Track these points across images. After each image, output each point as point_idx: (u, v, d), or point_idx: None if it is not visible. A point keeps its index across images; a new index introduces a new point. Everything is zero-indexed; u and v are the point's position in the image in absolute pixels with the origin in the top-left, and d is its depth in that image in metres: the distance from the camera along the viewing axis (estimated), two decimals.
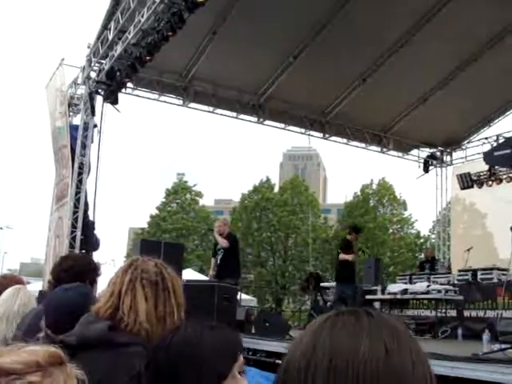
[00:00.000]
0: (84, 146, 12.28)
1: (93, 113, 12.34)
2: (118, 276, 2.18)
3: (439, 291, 10.91)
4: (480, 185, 15.59)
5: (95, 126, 12.47)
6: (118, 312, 2.10)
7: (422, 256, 18.51)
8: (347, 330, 0.86)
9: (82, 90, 12.91)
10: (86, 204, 12.34)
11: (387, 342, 0.84)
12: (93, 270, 3.49)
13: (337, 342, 0.85)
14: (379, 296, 12.30)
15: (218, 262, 10.64)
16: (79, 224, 11.91)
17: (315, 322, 0.92)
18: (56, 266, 3.47)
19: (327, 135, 16.14)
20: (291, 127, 15.73)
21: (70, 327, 2.20)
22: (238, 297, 11.12)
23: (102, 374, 1.95)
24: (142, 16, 9.95)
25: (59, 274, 3.33)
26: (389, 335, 0.85)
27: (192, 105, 14.63)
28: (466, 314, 11.11)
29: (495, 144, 14.49)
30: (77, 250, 11.55)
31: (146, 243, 13.26)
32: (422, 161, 17.36)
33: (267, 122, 15.49)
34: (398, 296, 11.51)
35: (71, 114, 13.11)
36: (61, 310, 2.55)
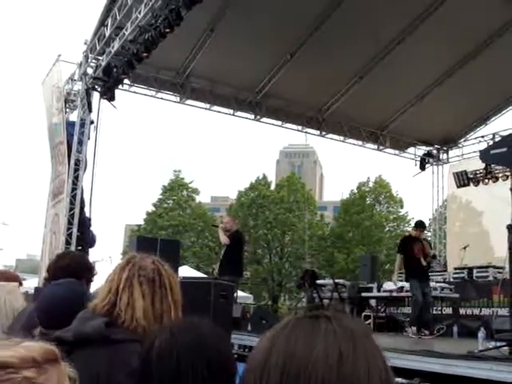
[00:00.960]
0: (80, 143, 12.26)
1: (89, 109, 12.32)
2: (116, 273, 2.19)
3: (435, 289, 10.94)
4: (476, 183, 15.63)
5: (92, 122, 12.45)
6: (115, 309, 2.11)
7: None
8: (303, 336, 0.85)
9: (78, 87, 12.87)
10: (83, 201, 12.32)
11: (342, 348, 0.83)
12: (89, 269, 3.49)
13: (292, 347, 0.84)
14: (375, 293, 12.33)
15: (221, 257, 10.89)
16: (75, 220, 11.89)
17: (276, 326, 0.92)
18: (52, 264, 3.47)
19: (324, 133, 16.14)
20: (288, 124, 15.74)
21: (63, 322, 2.20)
22: (235, 294, 11.13)
23: (99, 371, 1.95)
24: (140, 12, 9.94)
25: (55, 271, 3.33)
26: (345, 341, 0.84)
27: (189, 102, 14.61)
28: (462, 311, 11.15)
29: (491, 142, 14.53)
30: (73, 247, 11.53)
31: (142, 240, 13.25)
32: (419, 159, 17.40)
33: (264, 120, 15.49)
34: (394, 294, 11.53)
35: (68, 110, 13.07)
36: (52, 305, 2.55)
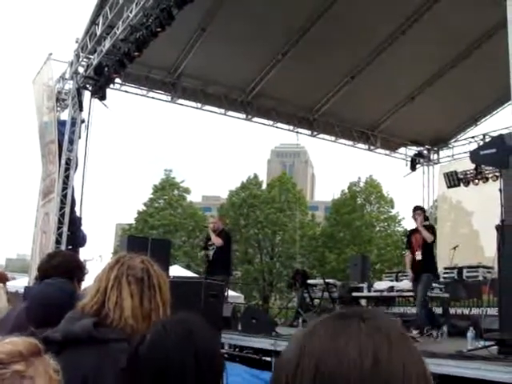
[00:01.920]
0: (71, 142, 12.22)
1: (80, 108, 12.29)
2: (105, 272, 2.19)
3: None
4: (466, 183, 15.69)
5: (83, 121, 12.42)
6: (103, 308, 2.11)
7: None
8: (337, 336, 0.84)
9: (69, 85, 12.83)
10: (73, 200, 12.29)
11: (377, 349, 0.81)
12: (80, 269, 3.48)
13: (325, 348, 0.83)
14: (365, 293, 12.35)
15: (210, 257, 10.80)
16: (66, 220, 11.86)
17: (307, 325, 0.90)
18: (43, 263, 3.46)
19: (315, 133, 16.16)
20: (279, 124, 15.75)
21: (52, 322, 2.20)
22: (225, 293, 11.14)
23: (88, 370, 1.95)
24: (131, 11, 9.93)
25: (46, 270, 3.32)
26: (380, 342, 0.82)
27: (180, 101, 14.60)
28: (452, 311, 11.19)
29: (482, 143, 14.58)
30: (63, 246, 11.50)
31: (133, 239, 13.25)
32: (410, 159, 17.44)
33: (255, 119, 15.50)
34: (385, 293, 11.56)
35: (59, 109, 13.02)
36: (42, 304, 2.55)
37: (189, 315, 1.73)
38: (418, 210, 9.70)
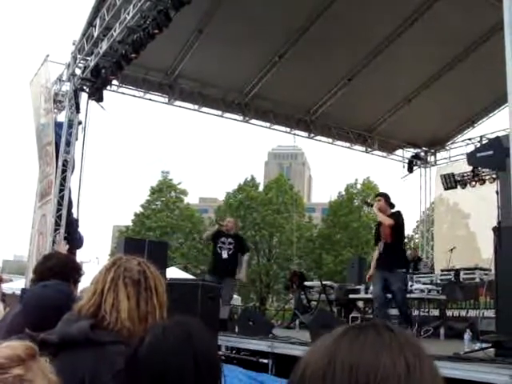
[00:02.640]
0: (68, 144, 12.21)
1: (77, 110, 12.27)
2: (101, 274, 2.19)
3: (422, 291, 10.97)
4: (463, 185, 15.71)
5: (80, 123, 12.40)
6: (100, 310, 2.11)
7: (408, 253, 18.62)
8: (368, 344, 0.84)
9: (66, 87, 12.81)
10: (70, 201, 12.27)
11: (408, 358, 0.83)
12: (76, 270, 3.48)
13: (357, 354, 0.83)
14: (362, 295, 12.35)
15: (226, 256, 10.77)
16: (63, 221, 11.84)
17: (332, 334, 0.90)
18: (39, 265, 3.46)
19: (312, 134, 16.17)
20: (276, 126, 15.74)
21: (48, 324, 2.19)
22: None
23: (85, 373, 1.95)
24: (128, 13, 9.91)
25: (42, 272, 3.32)
26: (410, 352, 0.84)
27: (177, 103, 14.59)
28: (449, 313, 11.20)
29: (479, 145, 14.60)
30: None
31: (130, 241, 13.22)
32: (407, 161, 17.47)
33: (252, 121, 15.49)
34: None
35: (56, 110, 13.00)
36: (38, 306, 2.55)
37: (187, 318, 1.73)
38: (377, 196, 9.34)
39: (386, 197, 9.12)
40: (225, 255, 10.74)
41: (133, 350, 1.67)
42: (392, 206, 9.02)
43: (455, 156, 16.80)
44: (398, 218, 8.77)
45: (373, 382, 0.80)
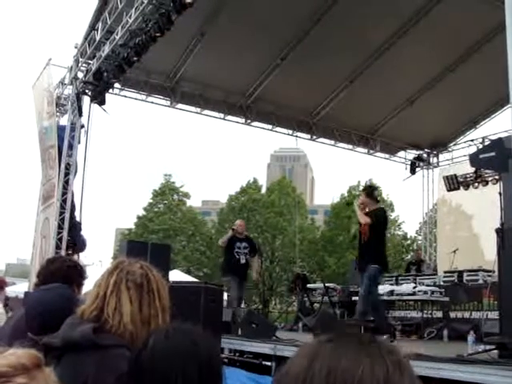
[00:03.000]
0: (71, 147, 12.23)
1: (80, 113, 12.29)
2: (104, 278, 2.19)
3: (425, 292, 10.97)
4: (466, 187, 15.68)
5: (82, 126, 12.42)
6: (102, 314, 2.11)
7: (409, 257, 18.62)
8: (349, 351, 0.86)
9: (69, 91, 12.85)
10: (73, 205, 12.29)
11: (389, 368, 0.84)
12: (79, 273, 3.47)
13: (337, 360, 0.84)
14: None
15: (244, 261, 11.21)
16: (66, 225, 11.86)
17: (312, 343, 0.92)
18: (42, 269, 3.45)
19: (314, 136, 16.18)
20: (279, 128, 15.75)
21: (51, 327, 2.19)
22: (225, 298, 11.15)
23: (87, 376, 1.95)
24: (130, 17, 9.93)
25: (45, 276, 3.32)
26: (391, 363, 0.85)
27: (179, 106, 14.61)
28: (452, 315, 11.18)
29: (481, 146, 14.58)
30: (63, 251, 11.50)
31: (132, 244, 13.19)
32: (409, 162, 17.45)
33: (255, 124, 15.51)
34: (385, 297, 11.53)
35: (58, 114, 13.03)
36: (40, 310, 2.55)
37: (190, 323, 1.74)
38: (363, 190, 8.94)
39: (369, 191, 8.80)
40: (243, 261, 11.19)
41: (136, 353, 1.67)
42: (377, 200, 8.73)
43: (458, 157, 16.77)
44: (376, 216, 8.41)
45: (351, 383, 0.81)
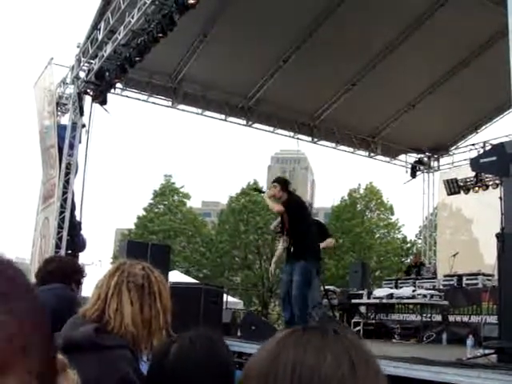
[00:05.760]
0: (72, 146, 12.23)
1: (81, 113, 12.30)
2: (105, 279, 2.19)
3: (424, 296, 10.96)
4: (466, 191, 15.68)
5: (83, 126, 12.43)
6: (104, 315, 2.11)
7: (409, 261, 18.63)
8: (313, 345, 0.85)
9: (70, 90, 12.85)
10: (73, 204, 12.28)
11: (353, 358, 0.83)
12: (77, 272, 3.48)
13: (301, 354, 0.83)
14: (365, 300, 12.34)
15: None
16: (66, 224, 11.85)
17: (275, 337, 0.90)
18: (41, 268, 3.46)
19: (316, 139, 16.17)
20: (280, 130, 15.74)
21: (52, 328, 2.19)
22: (225, 299, 11.14)
23: (89, 377, 1.94)
24: (132, 17, 9.94)
25: (43, 276, 3.32)
26: (356, 356, 0.84)
27: (181, 106, 14.60)
28: (451, 318, 11.18)
29: (482, 151, 14.58)
30: (63, 251, 11.49)
31: (132, 244, 13.21)
32: (410, 166, 17.45)
33: (256, 125, 15.50)
34: (384, 300, 11.55)
35: (59, 113, 13.04)
36: None
37: (209, 329, 1.77)
38: (273, 182, 8.19)
39: (282, 183, 8.13)
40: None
41: (157, 359, 1.69)
42: (290, 192, 8.08)
43: (458, 161, 16.78)
44: (289, 202, 7.83)
45: (317, 380, 0.80)
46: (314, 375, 0.80)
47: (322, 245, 8.88)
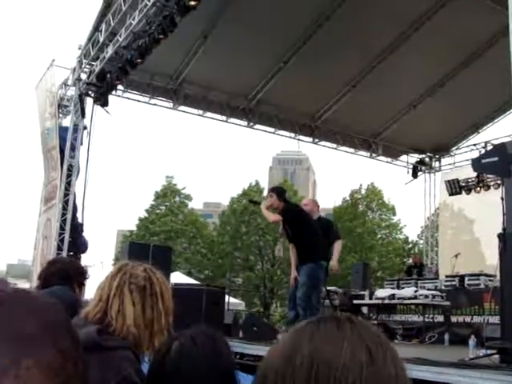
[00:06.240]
0: (73, 148, 12.24)
1: (83, 115, 12.31)
2: (107, 281, 2.20)
3: (426, 296, 10.96)
4: (468, 191, 15.68)
5: (85, 127, 12.44)
6: (106, 317, 2.12)
7: (410, 261, 18.61)
8: (329, 336, 0.84)
9: (72, 92, 12.86)
10: (75, 206, 12.29)
11: (370, 347, 0.83)
12: (80, 274, 3.48)
13: (318, 347, 0.83)
14: (367, 301, 12.34)
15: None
16: (67, 226, 11.86)
17: (295, 327, 0.90)
18: (43, 271, 3.47)
19: (317, 140, 16.17)
20: (281, 131, 15.73)
21: None
22: (226, 300, 11.14)
23: (91, 378, 1.95)
24: (134, 19, 9.95)
25: (46, 278, 3.32)
26: (372, 342, 0.84)
27: (182, 108, 14.60)
28: (453, 319, 11.17)
29: (483, 151, 14.57)
30: (65, 252, 11.50)
31: (134, 246, 13.24)
32: (411, 166, 17.43)
33: (257, 126, 15.49)
34: (386, 301, 11.54)
35: (61, 115, 13.05)
36: None
37: (210, 328, 1.77)
38: (269, 192, 8.36)
39: (278, 192, 8.23)
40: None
41: (158, 356, 1.69)
42: (285, 201, 8.20)
43: (460, 162, 16.77)
44: (285, 212, 7.91)
45: (334, 372, 0.80)
46: (332, 367, 0.80)
47: (334, 254, 9.19)
